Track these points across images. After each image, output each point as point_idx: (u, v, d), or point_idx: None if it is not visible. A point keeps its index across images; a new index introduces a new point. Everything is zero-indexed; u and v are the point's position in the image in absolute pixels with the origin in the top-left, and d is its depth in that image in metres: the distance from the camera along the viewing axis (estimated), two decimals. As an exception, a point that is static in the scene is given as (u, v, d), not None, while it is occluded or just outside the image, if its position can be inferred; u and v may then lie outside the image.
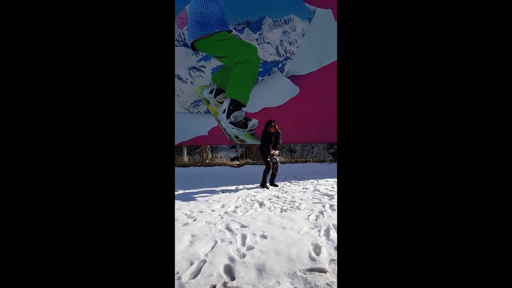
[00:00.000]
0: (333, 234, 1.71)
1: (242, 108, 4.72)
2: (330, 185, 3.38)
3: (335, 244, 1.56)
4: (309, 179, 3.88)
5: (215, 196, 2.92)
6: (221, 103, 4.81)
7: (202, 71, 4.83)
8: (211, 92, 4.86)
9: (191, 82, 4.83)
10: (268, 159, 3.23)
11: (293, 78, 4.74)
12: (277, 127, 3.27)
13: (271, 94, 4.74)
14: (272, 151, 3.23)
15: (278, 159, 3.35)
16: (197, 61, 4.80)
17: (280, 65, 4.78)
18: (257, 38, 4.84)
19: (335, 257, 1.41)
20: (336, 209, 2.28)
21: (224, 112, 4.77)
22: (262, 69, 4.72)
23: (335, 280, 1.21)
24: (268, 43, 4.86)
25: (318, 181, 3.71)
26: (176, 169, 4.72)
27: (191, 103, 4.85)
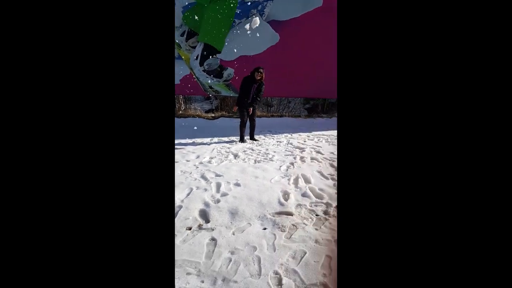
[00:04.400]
0: (301, 183, 1.85)
1: (217, 55, 4.36)
2: (302, 139, 3.52)
3: (302, 191, 1.70)
4: (283, 133, 3.99)
5: (190, 147, 2.90)
6: (194, 47, 4.37)
7: (171, 8, 4.21)
8: (182, 35, 4.34)
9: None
10: (245, 112, 3.16)
11: (273, 24, 4.36)
12: (264, 76, 3.03)
13: (249, 40, 4.37)
14: (249, 110, 3.15)
15: (256, 110, 3.30)
16: (165, -6, 4.12)
17: (260, 7, 4.32)
18: (235, -29, 4.21)
19: (302, 202, 1.55)
20: (306, 161, 2.43)
21: (196, 58, 4.37)
22: (239, 11, 4.24)
23: (300, 221, 1.36)
24: (248, -22, 4.27)
25: (291, 135, 3.84)
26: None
27: (160, 46, 4.34)
